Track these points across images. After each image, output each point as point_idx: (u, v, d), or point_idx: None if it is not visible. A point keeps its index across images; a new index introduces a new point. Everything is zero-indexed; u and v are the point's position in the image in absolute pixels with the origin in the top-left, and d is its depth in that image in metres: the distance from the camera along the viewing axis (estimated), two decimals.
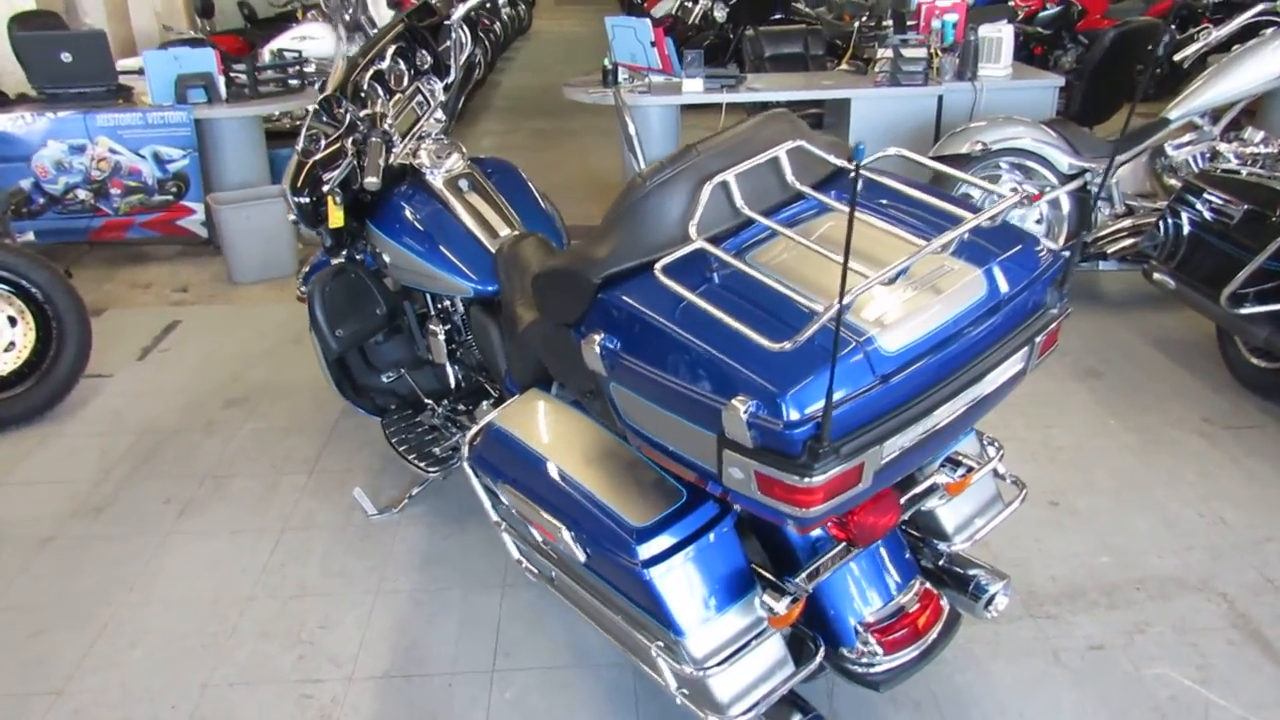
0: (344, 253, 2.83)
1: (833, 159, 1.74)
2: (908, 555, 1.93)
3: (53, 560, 2.77)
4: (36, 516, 2.96)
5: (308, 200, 2.58)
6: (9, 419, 3.45)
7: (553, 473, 1.86)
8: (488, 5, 3.08)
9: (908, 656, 1.83)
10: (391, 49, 2.79)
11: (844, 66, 5.88)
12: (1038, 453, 3.17)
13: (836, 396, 1.35)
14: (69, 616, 2.54)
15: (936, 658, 1.89)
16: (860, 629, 1.83)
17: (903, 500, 1.84)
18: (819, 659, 1.80)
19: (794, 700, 1.84)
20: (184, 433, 3.43)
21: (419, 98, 2.85)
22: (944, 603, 1.91)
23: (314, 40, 7.01)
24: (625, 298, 1.58)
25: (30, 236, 4.88)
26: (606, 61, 5.14)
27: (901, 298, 1.49)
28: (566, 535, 1.80)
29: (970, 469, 1.90)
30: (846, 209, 1.39)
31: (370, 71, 2.73)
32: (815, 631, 1.87)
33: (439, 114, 2.86)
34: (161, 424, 3.49)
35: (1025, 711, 2.17)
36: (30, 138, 4.74)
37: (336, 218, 2.57)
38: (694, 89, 4.95)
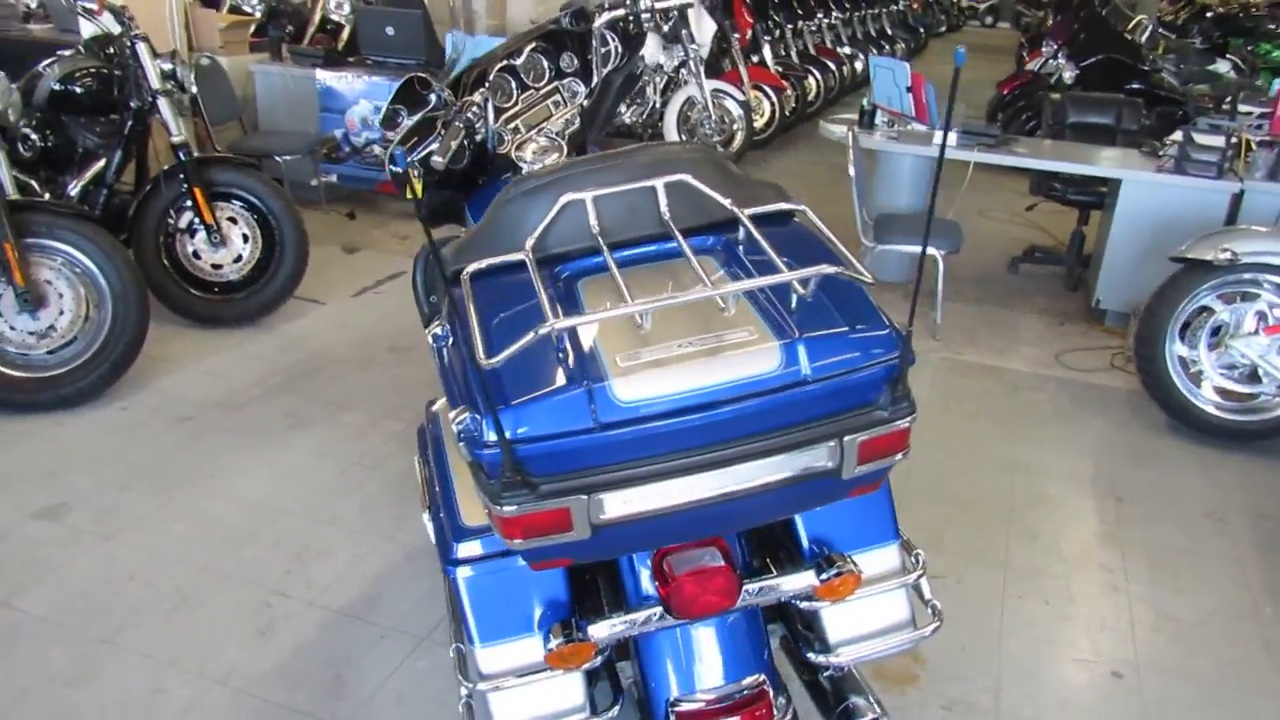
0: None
1: (722, 200, 1.62)
2: (761, 647, 1.75)
3: (179, 435, 3.27)
4: (192, 399, 3.50)
5: (401, 170, 2.81)
6: (226, 319, 4.09)
7: (443, 460, 1.92)
8: (632, 16, 3.18)
9: None
10: (529, 47, 2.94)
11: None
12: (1137, 611, 2.67)
13: (539, 431, 1.29)
14: (155, 482, 3.00)
15: None
16: (668, 706, 1.71)
17: (749, 586, 1.67)
18: (614, 713, 1.70)
19: None
20: (342, 364, 3.86)
21: (556, 97, 2.99)
22: (779, 711, 1.71)
23: (648, 49, 7.43)
24: (455, 295, 1.60)
25: (333, 178, 5.71)
26: (865, 102, 4.98)
27: (668, 351, 1.37)
28: (426, 520, 1.85)
29: (841, 573, 1.68)
30: (699, 256, 1.31)
31: (501, 65, 2.90)
32: (649, 697, 1.76)
33: (571, 114, 2.97)
34: (330, 352, 3.95)
35: None
36: (349, 94, 5.52)
37: (415, 189, 2.77)
38: (946, 142, 4.65)
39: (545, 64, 2.98)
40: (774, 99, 8.10)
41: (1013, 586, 2.76)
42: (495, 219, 1.66)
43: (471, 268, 1.55)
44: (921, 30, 15.63)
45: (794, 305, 1.44)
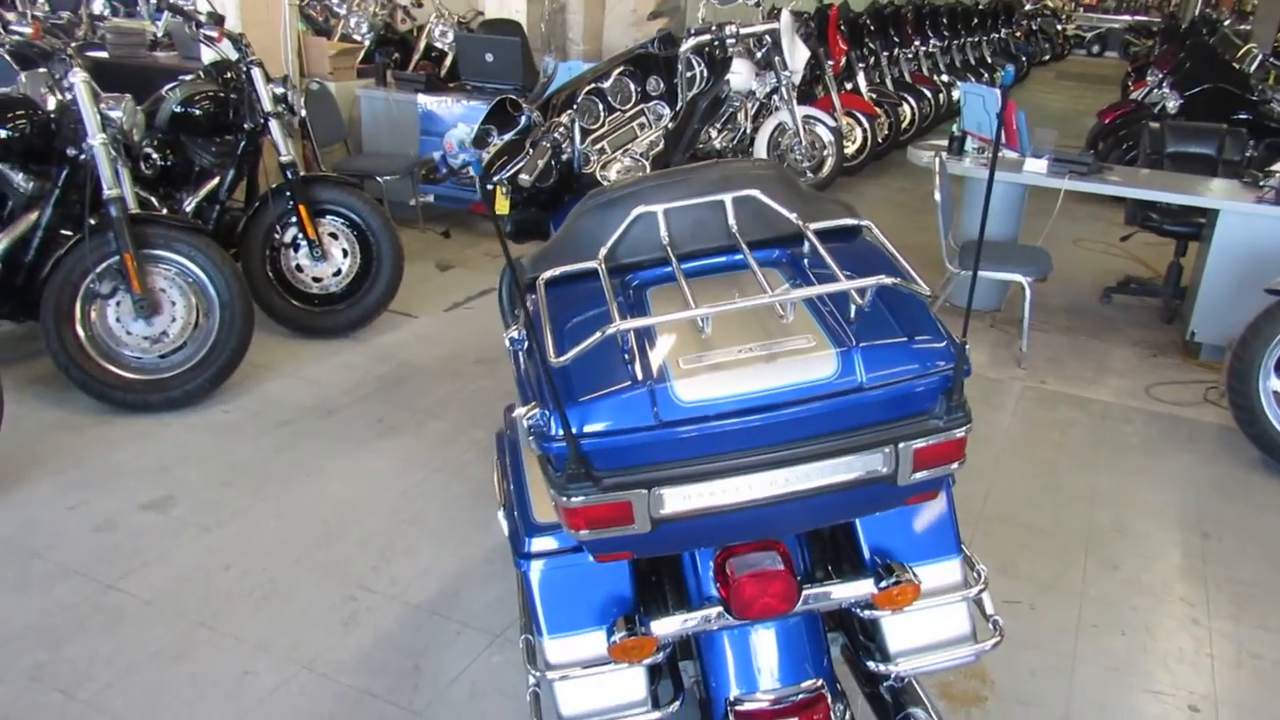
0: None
1: (788, 214, 1.67)
2: (820, 652, 1.79)
3: (277, 437, 3.45)
4: (290, 404, 3.69)
5: (491, 189, 2.93)
6: (325, 329, 4.29)
7: (518, 461, 2.01)
8: (717, 41, 3.25)
9: None
10: (617, 70, 3.04)
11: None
12: (1218, 646, 2.61)
13: (603, 427, 1.37)
14: (253, 479, 3.18)
15: None
16: (728, 705, 1.75)
17: (808, 591, 1.71)
18: (674, 708, 1.75)
19: None
20: (431, 374, 4.02)
21: (641, 119, 3.09)
22: (836, 716, 1.74)
23: (735, 75, 7.52)
24: (531, 301, 1.69)
25: (431, 199, 5.93)
26: (955, 128, 4.97)
27: (728, 355, 1.43)
28: (501, 518, 1.94)
29: (900, 582, 1.71)
30: (764, 268, 1.36)
31: (589, 87, 3.01)
32: (709, 695, 1.81)
33: (656, 137, 3.07)
34: (420, 363, 4.11)
35: None
36: (447, 118, 5.74)
37: (502, 206, 2.89)
38: (1036, 169, 4.62)
39: (632, 87, 3.09)
40: (867, 126, 8.10)
41: (1088, 615, 2.72)
42: (571, 230, 1.75)
43: (546, 275, 1.64)
44: (1024, 59, 15.38)
45: (853, 316, 1.48)
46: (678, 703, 1.76)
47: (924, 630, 1.81)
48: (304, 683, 2.34)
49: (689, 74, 3.15)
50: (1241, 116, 7.33)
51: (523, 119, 2.91)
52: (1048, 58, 18.82)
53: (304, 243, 4.17)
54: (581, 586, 1.76)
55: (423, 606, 2.62)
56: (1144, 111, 8.69)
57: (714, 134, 7.62)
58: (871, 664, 1.81)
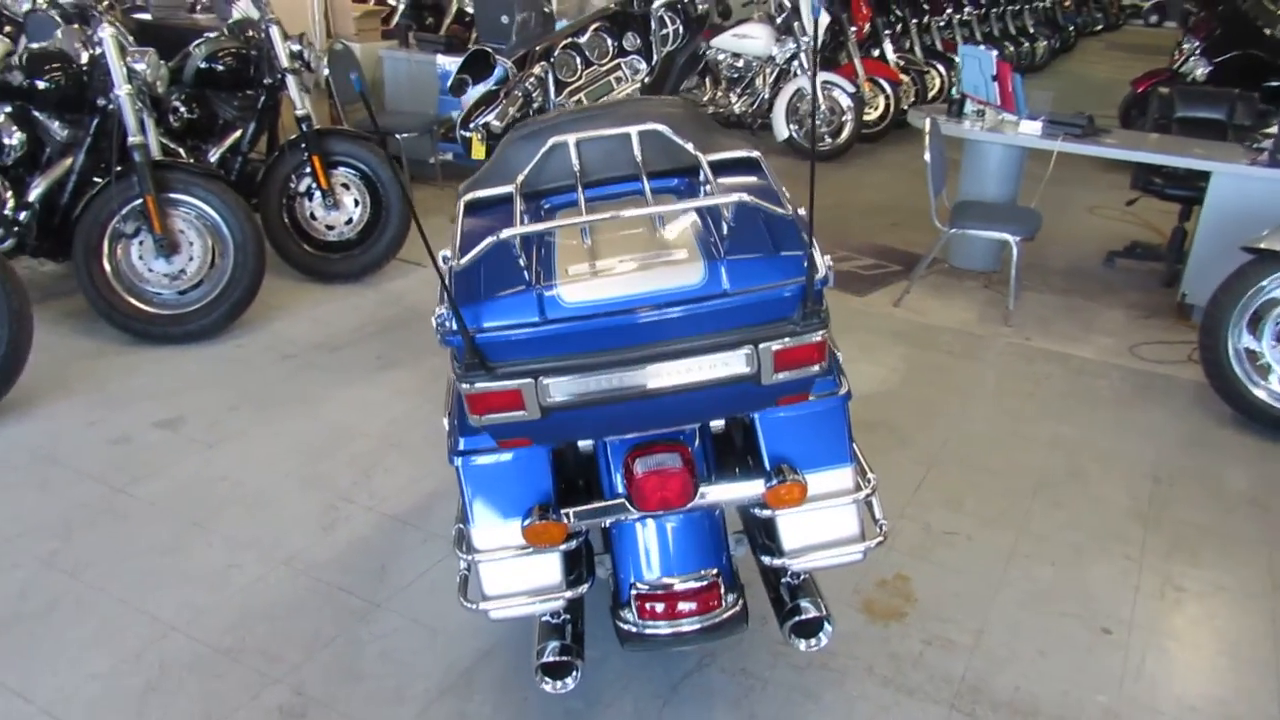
0: None
1: (687, 146, 1.85)
2: (718, 546, 1.98)
3: (282, 369, 3.73)
4: (297, 340, 3.96)
5: (468, 135, 3.13)
6: (336, 275, 4.56)
7: None
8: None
9: (654, 630, 1.91)
10: (594, 26, 3.22)
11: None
12: (1145, 578, 2.74)
13: (496, 324, 1.57)
14: (256, 405, 3.45)
15: (690, 646, 1.95)
16: (631, 589, 1.95)
17: (705, 488, 1.90)
18: (583, 589, 1.95)
19: (559, 629, 1.99)
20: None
21: (619, 73, 3.26)
22: (725, 604, 1.93)
23: (753, 39, 7.63)
24: (461, 219, 1.89)
25: (449, 156, 6.15)
26: (953, 91, 5.05)
27: (607, 264, 1.62)
28: (444, 422, 2.15)
29: (786, 481, 1.88)
30: (661, 194, 1.53)
31: (566, 42, 3.19)
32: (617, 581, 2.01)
33: (632, 90, 3.24)
34: (424, 308, 4.35)
35: None
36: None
37: (478, 150, 3.09)
38: (1030, 131, 4.71)
39: (609, 42, 3.26)
40: (890, 93, 8.14)
41: (1023, 547, 2.87)
42: (499, 158, 1.95)
43: (467, 197, 1.84)
44: (1071, 28, 15.12)
45: (726, 234, 1.67)
46: (586, 585, 1.97)
47: (815, 530, 1.99)
48: (281, 576, 2.59)
49: (662, 31, 3.30)
50: (1273, 85, 7.25)
51: (497, 70, 3.10)
52: (1100, 27, 18.42)
53: (318, 192, 4.42)
54: (506, 481, 1.96)
55: (396, 517, 2.86)
56: (1176, 80, 8.61)
57: (734, 99, 7.73)
58: (768, 559, 2.00)
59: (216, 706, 2.16)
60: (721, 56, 7.66)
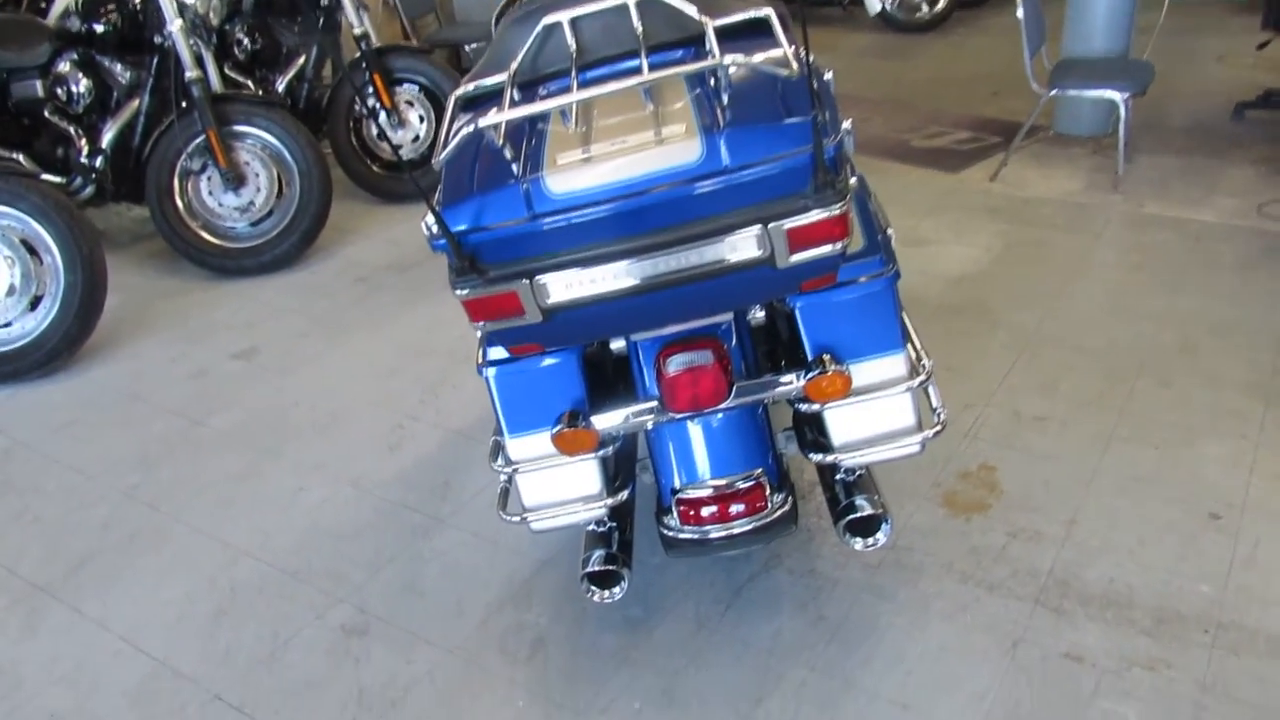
0: None
1: (690, 11, 1.67)
2: (763, 445, 1.86)
3: (353, 292, 3.74)
4: (369, 263, 3.97)
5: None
6: (407, 194, 4.52)
7: None
8: None
9: (697, 535, 1.82)
10: None
11: None
12: (1261, 457, 2.49)
13: (482, 223, 1.46)
14: (327, 330, 3.47)
15: (736, 550, 1.85)
16: (673, 494, 1.86)
17: (738, 385, 1.77)
18: (623, 496, 1.87)
19: (605, 537, 1.92)
20: None
21: None
22: (771, 504, 1.82)
23: None
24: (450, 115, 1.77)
25: None
26: None
27: (600, 149, 1.48)
28: (477, 334, 2.08)
29: (825, 373, 1.74)
30: (657, 68, 1.39)
31: None
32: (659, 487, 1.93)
33: None
34: None
35: (918, 670, 1.96)
36: None
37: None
38: None
39: None
40: None
41: (1124, 429, 2.64)
42: (494, 47, 1.82)
43: (459, 91, 1.72)
44: None
45: (729, 102, 1.50)
46: (625, 492, 1.88)
47: (867, 422, 1.85)
48: (347, 495, 2.61)
49: None
50: None
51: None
52: None
53: (382, 111, 4.36)
54: (536, 389, 1.88)
55: (461, 432, 2.84)
56: None
57: None
58: (818, 456, 1.87)
59: (284, 627, 2.20)
60: None
